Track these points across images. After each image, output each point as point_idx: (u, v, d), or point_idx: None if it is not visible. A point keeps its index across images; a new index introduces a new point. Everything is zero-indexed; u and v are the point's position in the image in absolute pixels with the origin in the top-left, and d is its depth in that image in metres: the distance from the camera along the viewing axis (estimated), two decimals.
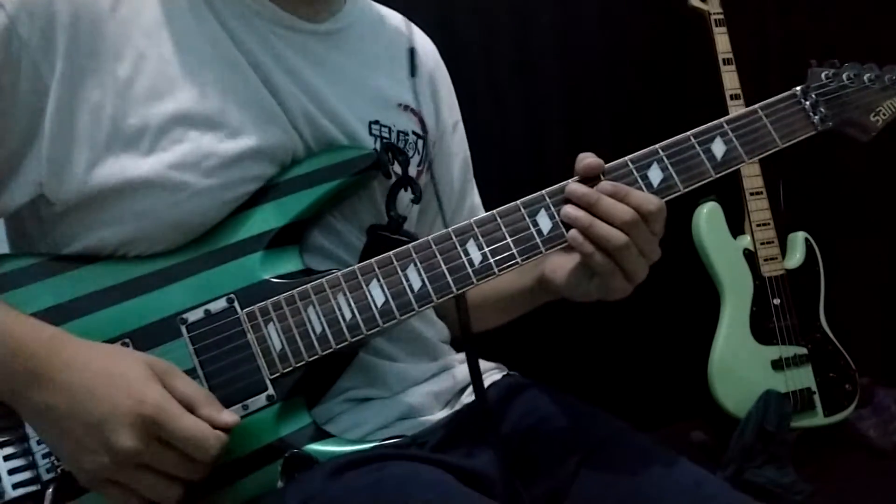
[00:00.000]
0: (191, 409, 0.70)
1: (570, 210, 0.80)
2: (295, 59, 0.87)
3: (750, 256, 1.93)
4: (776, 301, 1.91)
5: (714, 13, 1.97)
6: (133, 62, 0.78)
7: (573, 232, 0.80)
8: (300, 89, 0.86)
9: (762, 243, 1.94)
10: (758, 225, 1.94)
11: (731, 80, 1.93)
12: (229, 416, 0.72)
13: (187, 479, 0.71)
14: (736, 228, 1.95)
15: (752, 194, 1.95)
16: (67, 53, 0.76)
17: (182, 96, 0.79)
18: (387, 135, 0.92)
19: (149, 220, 0.77)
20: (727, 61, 1.95)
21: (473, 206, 1.13)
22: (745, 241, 1.95)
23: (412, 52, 0.93)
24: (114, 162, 0.76)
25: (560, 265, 0.89)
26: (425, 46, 1.08)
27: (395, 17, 1.06)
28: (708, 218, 1.91)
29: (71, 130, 0.76)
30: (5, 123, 0.76)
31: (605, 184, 0.80)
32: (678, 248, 1.94)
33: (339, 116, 0.88)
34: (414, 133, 0.96)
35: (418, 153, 0.97)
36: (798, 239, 2.00)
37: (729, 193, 1.95)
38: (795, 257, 1.98)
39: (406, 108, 0.96)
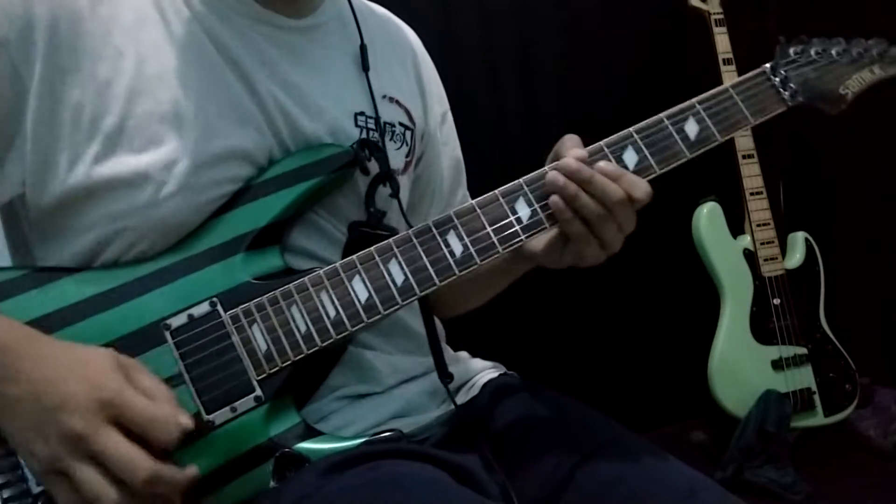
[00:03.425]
0: None
1: (557, 177, 0.81)
2: (276, 55, 0.87)
3: (750, 256, 1.93)
4: (776, 301, 1.91)
5: (714, 13, 1.97)
6: (112, 61, 0.78)
7: (555, 197, 0.80)
8: (280, 86, 0.85)
9: (762, 243, 1.94)
10: (758, 225, 1.94)
11: (731, 79, 1.91)
12: (186, 418, 0.70)
13: (130, 481, 0.66)
14: (736, 228, 1.95)
15: (752, 194, 1.94)
16: (47, 55, 0.76)
17: (159, 96, 0.79)
18: (373, 126, 0.92)
19: (126, 222, 0.78)
20: (727, 61, 1.95)
21: (466, 196, 1.12)
22: (745, 241, 1.94)
23: (363, 49, 0.93)
24: (91, 162, 0.77)
25: None
26: (409, 38, 1.07)
27: (376, 10, 1.05)
28: (708, 218, 1.91)
29: (53, 131, 0.77)
30: None
31: (603, 163, 0.81)
32: (678, 248, 1.95)
33: (321, 111, 0.87)
34: (401, 124, 0.95)
35: (406, 144, 0.96)
36: (798, 239, 1.99)
37: (729, 193, 1.95)
38: (795, 257, 1.98)
39: (392, 99, 0.95)
